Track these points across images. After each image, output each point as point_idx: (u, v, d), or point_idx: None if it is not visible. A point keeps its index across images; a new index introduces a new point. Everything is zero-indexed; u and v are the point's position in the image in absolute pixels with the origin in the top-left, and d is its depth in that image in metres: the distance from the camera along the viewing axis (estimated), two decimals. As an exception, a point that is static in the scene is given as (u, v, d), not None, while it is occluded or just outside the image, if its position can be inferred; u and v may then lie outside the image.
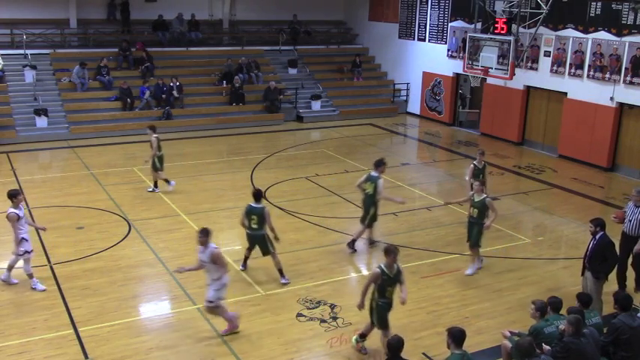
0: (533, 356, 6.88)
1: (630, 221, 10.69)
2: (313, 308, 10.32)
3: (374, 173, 12.42)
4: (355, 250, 12.65)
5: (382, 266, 8.65)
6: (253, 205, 11.22)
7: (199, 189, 16.22)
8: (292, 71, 26.55)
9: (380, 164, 12.49)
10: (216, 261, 9.24)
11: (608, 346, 8.03)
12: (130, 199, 15.31)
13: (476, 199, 11.32)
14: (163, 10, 25.27)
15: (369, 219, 12.49)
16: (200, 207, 14.82)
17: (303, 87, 25.69)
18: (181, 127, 22.42)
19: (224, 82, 24.38)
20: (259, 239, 11.15)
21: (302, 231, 13.61)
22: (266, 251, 11.18)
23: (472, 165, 13.62)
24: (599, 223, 9.90)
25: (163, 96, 22.63)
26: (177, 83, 23.03)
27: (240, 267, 11.67)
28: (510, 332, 8.46)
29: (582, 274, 10.20)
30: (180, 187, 16.24)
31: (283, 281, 11.14)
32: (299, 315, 10.11)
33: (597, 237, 9.84)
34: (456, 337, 7.00)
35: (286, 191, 16.19)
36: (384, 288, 8.68)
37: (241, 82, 24.18)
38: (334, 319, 10.01)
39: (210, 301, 9.34)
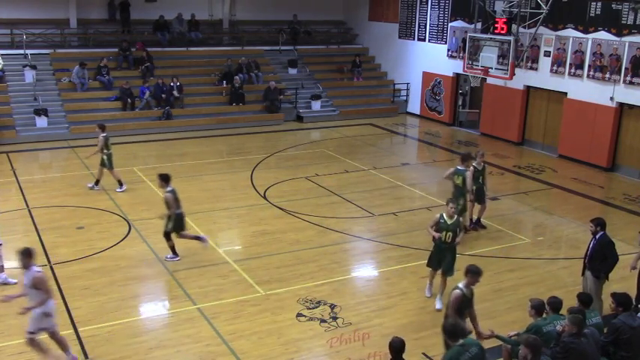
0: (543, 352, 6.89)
1: None
2: (313, 308, 10.32)
3: (460, 167, 12.96)
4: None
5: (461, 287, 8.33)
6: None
7: (199, 189, 16.22)
8: (292, 71, 26.56)
9: (467, 158, 13.11)
10: (39, 286, 8.23)
11: (608, 346, 8.02)
12: (130, 199, 15.32)
13: (449, 222, 10.25)
14: (163, 11, 25.26)
15: (459, 210, 12.63)
16: (200, 207, 14.82)
17: (303, 87, 25.69)
18: (181, 127, 22.43)
19: (224, 82, 24.38)
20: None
21: (302, 231, 13.61)
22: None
23: (472, 167, 13.51)
24: (599, 223, 9.89)
25: (163, 96, 22.64)
26: (178, 83, 23.04)
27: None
28: (509, 334, 8.44)
29: (582, 274, 10.20)
30: (180, 187, 16.05)
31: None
32: (299, 315, 10.11)
33: (597, 236, 9.84)
34: (449, 331, 7.05)
35: (286, 191, 16.19)
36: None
37: (241, 82, 24.18)
38: (334, 319, 10.02)
39: (31, 332, 8.34)
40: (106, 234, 13.15)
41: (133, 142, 20.67)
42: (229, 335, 9.49)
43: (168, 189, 11.88)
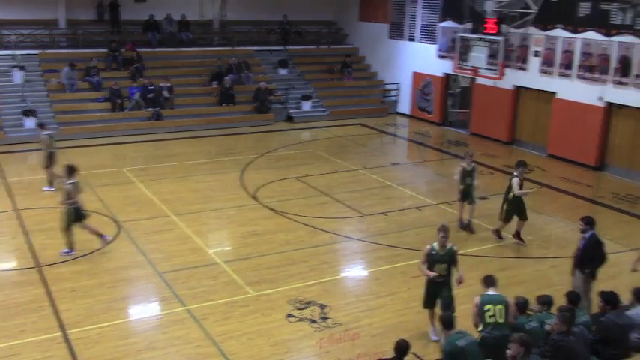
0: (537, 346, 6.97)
1: None
2: (303, 309, 10.31)
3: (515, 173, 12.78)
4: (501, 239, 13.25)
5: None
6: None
7: (189, 190, 16.18)
8: (283, 71, 26.54)
9: (519, 165, 12.81)
10: None
11: (596, 344, 8.06)
12: (119, 200, 15.25)
13: (441, 253, 9.19)
14: (153, 11, 25.18)
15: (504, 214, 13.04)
16: (190, 208, 14.79)
17: (293, 87, 25.67)
18: (171, 127, 22.37)
19: (214, 82, 24.33)
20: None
21: (292, 231, 13.60)
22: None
23: (460, 167, 13.58)
24: (588, 222, 9.95)
25: (149, 95, 22.49)
26: (169, 84, 22.97)
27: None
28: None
29: (572, 273, 10.26)
30: (170, 188, 16.20)
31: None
32: (289, 315, 10.10)
33: (587, 235, 9.89)
34: (446, 321, 7.66)
35: (277, 191, 16.18)
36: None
37: (231, 83, 24.14)
38: (324, 319, 10.01)
39: None
40: (94, 235, 13.07)
41: (123, 143, 20.60)
42: (219, 336, 9.46)
43: (72, 181, 12.04)
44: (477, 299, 8.10)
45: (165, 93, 22.86)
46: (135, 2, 25.49)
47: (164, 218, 14.16)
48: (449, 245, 9.23)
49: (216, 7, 27.26)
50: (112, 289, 10.86)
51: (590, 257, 9.88)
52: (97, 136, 21.08)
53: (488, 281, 8.32)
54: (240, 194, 15.95)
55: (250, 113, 24.13)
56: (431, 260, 9.20)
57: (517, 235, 13.13)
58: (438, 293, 9.32)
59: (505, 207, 12.88)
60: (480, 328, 7.98)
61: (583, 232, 10.00)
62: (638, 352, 8.17)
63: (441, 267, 9.20)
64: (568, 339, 7.37)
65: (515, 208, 12.85)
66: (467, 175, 13.43)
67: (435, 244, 9.22)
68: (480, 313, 7.97)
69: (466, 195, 13.54)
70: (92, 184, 15.93)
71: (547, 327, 7.91)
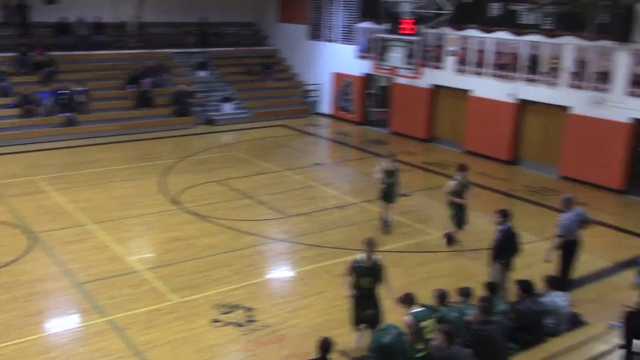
0: (458, 336, 7.12)
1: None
2: (229, 313, 10.20)
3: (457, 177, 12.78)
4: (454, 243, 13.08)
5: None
6: None
7: (108, 197, 15.71)
8: (202, 74, 26.18)
9: (459, 169, 12.88)
10: None
11: (514, 331, 8.36)
12: (32, 210, 14.61)
13: (367, 265, 8.80)
14: (66, 13, 24.29)
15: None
16: (109, 215, 14.36)
17: (213, 89, 25.37)
18: (87, 133, 21.63)
19: (131, 85, 23.73)
20: None
21: (215, 235, 13.43)
22: None
23: (381, 166, 13.65)
24: (504, 214, 10.34)
25: (62, 100, 21.67)
26: (84, 88, 22.23)
27: None
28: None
29: (490, 264, 10.61)
30: (87, 196, 15.68)
31: None
32: (214, 321, 9.96)
33: (503, 228, 10.26)
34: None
35: (198, 196, 15.93)
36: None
37: (149, 86, 23.61)
38: (250, 322, 9.94)
39: None
40: (5, 248, 12.47)
41: (35, 151, 19.78)
42: (143, 346, 9.22)
43: None
44: (410, 319, 7.81)
45: (81, 97, 22.10)
46: (45, 4, 24.50)
47: (81, 227, 13.68)
48: (374, 258, 8.90)
49: (132, 9, 26.57)
50: (28, 304, 10.38)
51: (505, 248, 10.25)
52: (7, 144, 20.09)
53: (410, 299, 8.05)
54: (160, 199, 15.62)
55: (169, 117, 23.67)
56: (356, 273, 8.81)
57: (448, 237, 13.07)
58: (364, 308, 8.95)
59: (451, 212, 12.91)
60: (421, 347, 7.72)
61: (499, 224, 10.36)
62: (552, 337, 8.52)
63: (367, 280, 8.82)
64: (488, 328, 7.60)
65: (459, 211, 12.86)
66: (388, 174, 13.52)
67: (361, 257, 8.87)
68: (417, 332, 7.78)
69: (388, 194, 13.62)
70: (2, 194, 15.21)
71: (468, 317, 8.13)
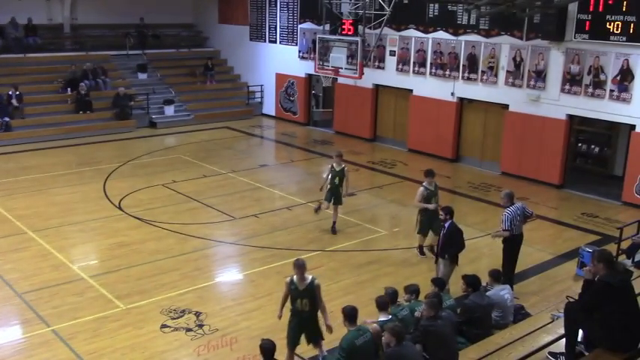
0: (402, 340, 7.16)
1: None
2: (178, 318, 10.06)
3: (426, 184, 12.39)
4: (424, 255, 12.63)
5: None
6: None
7: (47, 203, 15.25)
8: (142, 76, 25.71)
9: (426, 175, 12.50)
10: None
11: (462, 325, 8.54)
12: (-33, 219, 14.08)
13: (301, 288, 8.26)
14: (-4, 14, 23.48)
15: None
16: (49, 222, 13.94)
17: (154, 92, 24.95)
18: (23, 138, 20.93)
19: (68, 89, 23.10)
20: None
21: (162, 240, 13.22)
22: None
23: (330, 167, 13.62)
24: (448, 211, 10.52)
25: (-1, 105, 21.00)
26: (17, 92, 21.51)
27: None
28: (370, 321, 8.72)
29: (435, 260, 10.81)
30: (26, 203, 15.18)
31: None
32: (163, 326, 9.81)
33: (447, 224, 10.48)
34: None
35: (143, 200, 15.65)
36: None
37: (87, 89, 23.04)
38: (200, 326, 9.83)
39: None
40: (-59, 259, 11.98)
41: (-32, 158, 19.06)
42: (89, 355, 9.01)
43: None
44: (378, 327, 7.74)
45: (14, 102, 21.38)
46: (-26, 5, 23.66)
47: (20, 235, 13.24)
48: (309, 279, 8.28)
49: (66, 10, 25.86)
50: (-35, 316, 10.01)
51: (450, 244, 10.47)
52: None
53: (352, 316, 7.52)
54: (104, 205, 15.27)
55: (110, 120, 23.16)
56: (292, 295, 8.32)
57: (430, 249, 12.43)
58: (303, 330, 8.47)
59: (418, 217, 12.39)
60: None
61: (443, 221, 10.57)
62: (499, 330, 8.75)
63: (303, 302, 8.26)
64: (436, 323, 7.72)
65: (427, 218, 12.26)
66: (335, 175, 13.45)
67: (294, 278, 8.29)
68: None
69: (333, 195, 13.49)
70: None
71: (417, 314, 8.27)
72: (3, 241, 12.90)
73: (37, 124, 21.77)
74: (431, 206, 12.08)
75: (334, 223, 13.75)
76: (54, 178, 17.26)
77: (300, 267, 8.25)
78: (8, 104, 21.28)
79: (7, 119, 20.94)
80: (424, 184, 12.40)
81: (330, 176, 13.50)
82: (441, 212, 10.70)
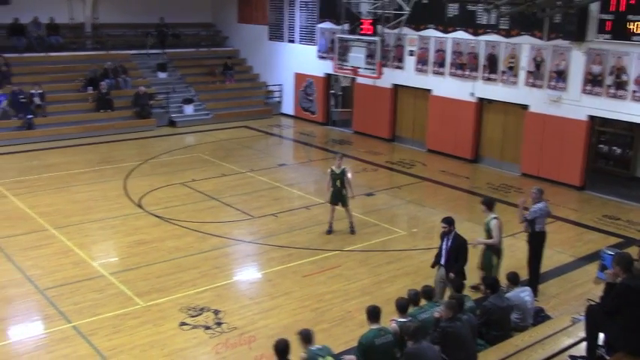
0: (420, 339, 7.15)
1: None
2: (196, 315, 10.12)
3: (488, 213, 10.46)
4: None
5: None
6: None
7: (68, 201, 15.41)
8: (162, 75, 25.88)
9: (491, 203, 10.70)
10: None
11: (481, 327, 8.50)
12: (-10, 216, 14.28)
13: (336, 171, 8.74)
14: (18, 13, 23.72)
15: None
16: (70, 220, 14.09)
17: (174, 91, 25.12)
18: (45, 136, 21.18)
19: (90, 88, 23.32)
20: None
21: (181, 238, 13.30)
22: None
23: (329, 170, 13.52)
24: (451, 222, 9.84)
25: (19, 102, 21.16)
26: (40, 91, 21.76)
27: None
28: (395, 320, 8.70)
29: (433, 265, 10.25)
30: (48, 201, 15.36)
31: None
32: (182, 324, 9.87)
33: (451, 236, 9.83)
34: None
35: (162, 198, 15.76)
36: None
37: (108, 88, 23.24)
38: (219, 324, 9.88)
39: None
40: (-36, 255, 12.17)
41: (-8, 155, 19.34)
42: (109, 351, 9.09)
43: None
44: (396, 326, 7.68)
45: (37, 100, 21.63)
46: (-2, 5, 23.97)
47: (42, 232, 13.40)
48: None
49: (88, 10, 26.11)
50: (-12, 312, 10.15)
51: (456, 259, 9.76)
52: None
53: (374, 315, 7.58)
54: (124, 203, 15.40)
55: (130, 119, 23.34)
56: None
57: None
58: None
59: (487, 253, 10.52)
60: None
61: (447, 232, 9.80)
62: (518, 332, 8.69)
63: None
64: (455, 325, 7.70)
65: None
66: (336, 177, 13.34)
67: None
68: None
69: (337, 198, 13.42)
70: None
71: (435, 314, 8.23)
72: (25, 238, 13.06)
73: (59, 123, 22.01)
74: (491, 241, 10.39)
75: (351, 223, 13.70)
76: (75, 176, 17.45)
77: (307, 338, 7.20)
78: (31, 102, 21.53)
79: (30, 117, 21.18)
80: (493, 216, 10.44)
81: (331, 179, 13.38)
82: (443, 224, 9.84)
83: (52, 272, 11.49)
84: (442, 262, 9.93)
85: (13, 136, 20.82)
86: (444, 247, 9.93)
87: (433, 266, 10.27)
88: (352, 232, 13.66)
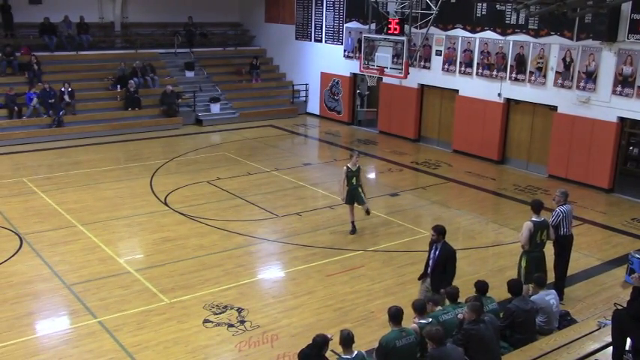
0: (443, 343, 7.10)
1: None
2: (220, 313, 10.18)
3: (536, 218, 10.14)
4: None
5: None
6: None
7: (96, 198, 15.62)
8: (189, 74, 26.11)
9: (539, 207, 10.26)
10: None
11: (505, 330, 8.42)
12: (20, 211, 14.51)
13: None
14: (49, 13, 24.12)
15: None
16: (97, 217, 14.28)
17: (201, 90, 25.32)
18: (74, 134, 21.50)
19: (118, 86, 23.61)
20: None
21: (205, 236, 13.40)
22: None
23: (345, 167, 13.47)
24: (441, 231, 9.35)
25: (51, 101, 21.53)
26: (70, 89, 22.10)
27: None
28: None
29: (420, 277, 9.80)
30: (75, 197, 15.59)
31: None
32: (206, 321, 9.94)
33: (439, 245, 9.40)
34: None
35: (188, 196, 15.89)
36: None
37: (136, 86, 23.50)
38: (242, 322, 9.93)
39: None
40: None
41: (22, 152, 19.65)
42: (134, 347, 9.19)
43: None
44: (417, 327, 7.67)
45: (66, 98, 21.97)
46: (29, 4, 24.35)
47: (70, 228, 13.60)
48: None
49: (117, 9, 26.44)
50: (17, 305, 10.31)
51: (442, 270, 9.31)
52: (-7, 145, 19.97)
53: (396, 317, 7.50)
54: (150, 200, 15.56)
55: (157, 117, 23.58)
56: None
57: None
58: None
59: (524, 261, 10.19)
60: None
61: (436, 241, 9.33)
62: (543, 335, 8.59)
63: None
64: (478, 327, 7.64)
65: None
66: (352, 175, 13.30)
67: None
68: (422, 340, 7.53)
69: (353, 196, 13.35)
70: (-10, 196, 15.09)
71: (459, 316, 8.17)
72: (53, 234, 13.27)
73: (88, 120, 22.33)
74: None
75: (353, 222, 13.62)
76: (102, 174, 17.68)
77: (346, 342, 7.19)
78: (61, 100, 21.87)
79: (60, 115, 21.51)
80: (533, 218, 10.11)
81: (347, 177, 13.32)
82: (432, 232, 9.37)
83: (79, 268, 11.65)
84: (428, 271, 9.53)
85: (43, 133, 21.16)
86: (431, 256, 9.49)
87: (420, 278, 9.79)
88: (353, 231, 13.59)
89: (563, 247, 10.71)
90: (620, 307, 7.21)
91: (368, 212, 13.62)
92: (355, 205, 13.57)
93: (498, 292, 9.77)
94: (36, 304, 10.51)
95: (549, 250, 10.67)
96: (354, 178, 13.31)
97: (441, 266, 9.31)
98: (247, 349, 9.23)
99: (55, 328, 9.77)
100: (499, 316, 8.53)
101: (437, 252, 9.37)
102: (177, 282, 11.22)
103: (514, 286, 8.83)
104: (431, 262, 9.48)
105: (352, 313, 10.28)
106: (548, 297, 9.10)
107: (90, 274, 11.43)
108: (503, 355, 7.78)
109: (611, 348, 6.85)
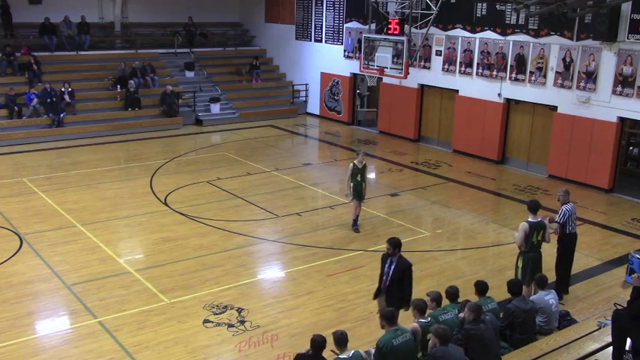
0: (447, 342, 7.10)
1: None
2: (220, 313, 10.19)
3: (532, 219, 10.07)
4: None
5: None
6: None
7: (96, 198, 15.62)
8: (189, 74, 26.11)
9: (536, 207, 10.22)
10: None
11: (505, 330, 8.42)
12: (20, 211, 14.51)
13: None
14: (49, 13, 24.10)
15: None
16: (97, 217, 14.28)
17: (201, 90, 25.32)
18: (74, 134, 21.50)
19: (118, 86, 23.61)
20: None
21: (205, 236, 13.40)
22: None
23: (351, 164, 13.51)
24: (397, 244, 8.81)
25: (49, 100, 21.49)
26: (69, 89, 22.10)
27: None
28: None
29: (375, 297, 9.23)
30: (76, 197, 15.59)
31: None
32: (206, 321, 9.95)
33: (395, 259, 8.84)
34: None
35: (188, 196, 15.89)
36: None
37: (136, 86, 23.50)
38: (242, 322, 9.93)
39: None
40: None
41: (22, 152, 19.64)
42: (133, 347, 9.19)
43: None
44: (417, 327, 7.65)
45: (66, 98, 21.97)
46: (29, 4, 24.35)
47: (70, 228, 13.60)
48: None
49: (117, 9, 26.44)
50: (17, 305, 10.31)
51: (399, 284, 8.76)
52: (-7, 145, 19.98)
53: (389, 318, 7.37)
54: (150, 200, 15.56)
55: (157, 117, 23.58)
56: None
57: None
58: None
59: (520, 262, 10.18)
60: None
61: (391, 255, 8.77)
62: (543, 335, 8.59)
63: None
64: (478, 327, 7.63)
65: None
66: (357, 172, 13.38)
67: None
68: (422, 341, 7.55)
69: (358, 193, 13.45)
70: (-10, 196, 15.09)
71: (460, 315, 8.16)
72: (53, 234, 13.27)
73: (88, 120, 22.34)
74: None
75: (357, 217, 13.74)
76: (103, 174, 17.68)
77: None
78: (61, 100, 21.86)
79: (60, 115, 21.51)
80: (529, 219, 10.10)
81: (352, 174, 13.38)
82: (388, 245, 8.77)
83: (79, 268, 11.65)
84: (382, 286, 8.91)
85: (43, 133, 21.16)
86: (385, 271, 8.87)
87: (375, 298, 9.25)
88: (356, 228, 13.67)
89: (568, 245, 10.76)
90: (620, 307, 7.21)
91: (356, 228, 13.75)
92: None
93: (498, 292, 9.77)
94: (36, 304, 10.50)
95: (547, 250, 10.68)
96: (359, 175, 13.40)
97: (397, 282, 8.73)
98: (247, 349, 9.23)
99: (55, 328, 9.77)
100: (499, 316, 8.52)
101: (392, 266, 8.78)
102: (177, 282, 11.22)
103: (514, 286, 8.83)
104: (384, 277, 8.87)
105: (352, 313, 10.28)
106: (548, 297, 9.10)
107: (90, 274, 11.43)
108: (503, 355, 7.78)
109: (611, 348, 6.86)
